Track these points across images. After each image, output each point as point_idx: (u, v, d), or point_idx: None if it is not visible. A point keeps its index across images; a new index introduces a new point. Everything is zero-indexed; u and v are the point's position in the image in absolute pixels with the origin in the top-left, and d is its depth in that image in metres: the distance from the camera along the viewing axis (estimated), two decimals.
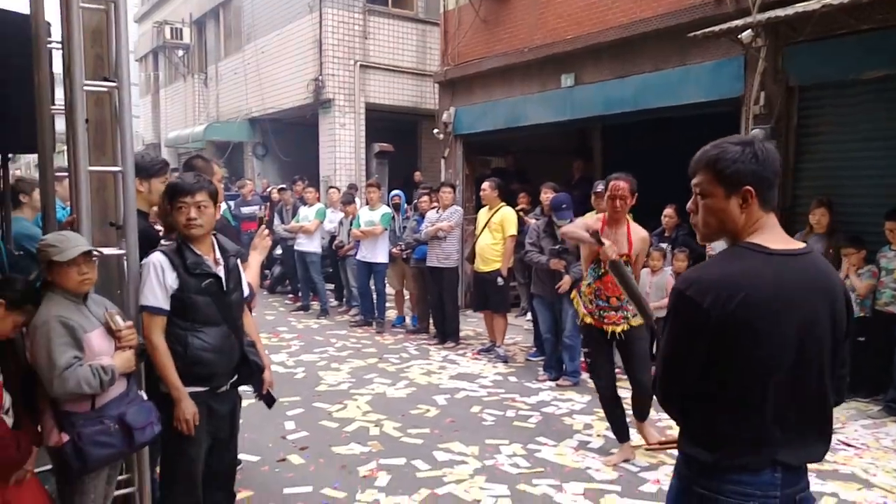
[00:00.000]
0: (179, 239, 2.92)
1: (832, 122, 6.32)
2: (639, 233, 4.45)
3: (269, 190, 12.73)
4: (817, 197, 6.05)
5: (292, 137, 16.16)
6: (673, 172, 9.61)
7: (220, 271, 2.97)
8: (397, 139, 14.22)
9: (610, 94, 7.99)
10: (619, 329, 4.39)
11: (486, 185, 7.54)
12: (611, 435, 4.94)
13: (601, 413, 5.50)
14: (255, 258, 3.52)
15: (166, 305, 2.82)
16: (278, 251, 10.69)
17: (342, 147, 13.71)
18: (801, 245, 1.84)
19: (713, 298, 1.71)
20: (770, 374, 1.74)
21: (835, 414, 5.52)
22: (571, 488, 4.12)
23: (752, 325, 1.71)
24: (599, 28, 7.98)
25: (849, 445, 4.86)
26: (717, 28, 5.97)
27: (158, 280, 2.80)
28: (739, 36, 5.90)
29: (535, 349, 7.48)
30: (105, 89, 3.02)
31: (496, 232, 7.29)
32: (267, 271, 12.14)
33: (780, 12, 5.57)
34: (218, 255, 3.01)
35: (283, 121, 16.01)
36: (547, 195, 7.30)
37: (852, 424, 5.31)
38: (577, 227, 4.54)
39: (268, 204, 11.70)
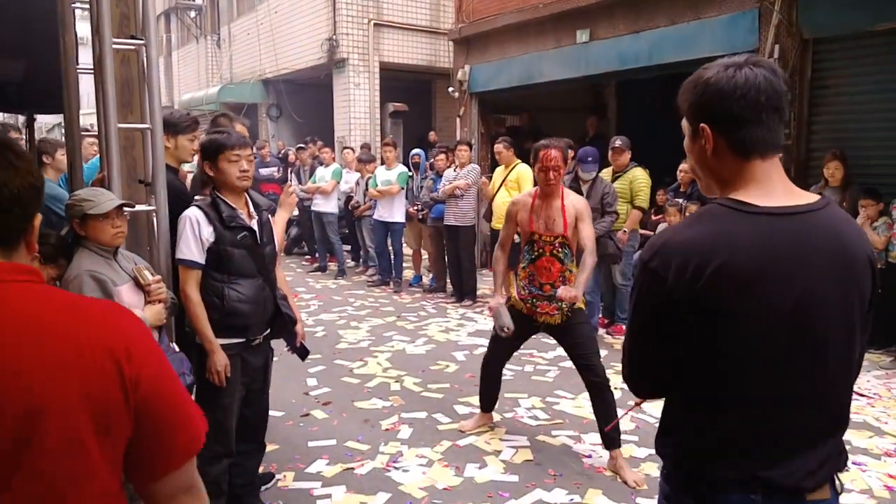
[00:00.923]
0: (214, 193, 3.01)
1: (846, 74, 6.30)
2: (575, 204, 3.82)
3: (283, 151, 12.75)
4: (831, 150, 6.04)
5: (306, 98, 16.13)
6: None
7: (254, 225, 3.07)
8: (412, 99, 14.17)
9: (625, 50, 7.93)
10: (552, 321, 3.87)
11: (498, 146, 7.55)
12: (627, 388, 5.06)
13: (616, 367, 5.62)
14: (282, 216, 3.56)
15: (201, 259, 2.93)
16: (294, 212, 10.77)
17: (356, 107, 13.69)
18: (810, 199, 1.40)
19: (678, 270, 1.34)
20: (751, 365, 1.36)
21: None
22: (590, 439, 4.24)
23: (726, 304, 1.33)
24: None
25: (861, 395, 4.95)
26: None
27: (194, 234, 2.90)
28: None
29: None
30: (133, 47, 3.08)
31: (512, 189, 7.32)
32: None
33: None
34: (252, 209, 3.11)
35: (296, 81, 15.96)
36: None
37: (864, 375, 5.39)
38: (517, 204, 4.01)
39: (283, 166, 11.76)
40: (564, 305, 3.79)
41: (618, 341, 6.41)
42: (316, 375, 5.47)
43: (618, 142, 6.72)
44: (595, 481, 3.69)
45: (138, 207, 2.94)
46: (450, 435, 4.29)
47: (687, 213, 6.56)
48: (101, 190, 2.72)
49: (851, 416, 4.50)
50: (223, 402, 3.03)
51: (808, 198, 1.41)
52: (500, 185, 7.42)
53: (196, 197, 3.15)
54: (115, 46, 2.91)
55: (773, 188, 1.39)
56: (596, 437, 4.23)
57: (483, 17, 10.10)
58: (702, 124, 1.41)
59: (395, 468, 3.84)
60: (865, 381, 5.25)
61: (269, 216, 3.28)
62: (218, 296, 2.96)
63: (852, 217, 5.80)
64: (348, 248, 10.66)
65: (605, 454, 4.00)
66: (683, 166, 7.12)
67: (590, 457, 4.00)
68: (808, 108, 6.43)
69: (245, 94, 16.90)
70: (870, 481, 3.68)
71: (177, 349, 2.96)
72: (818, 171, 6.19)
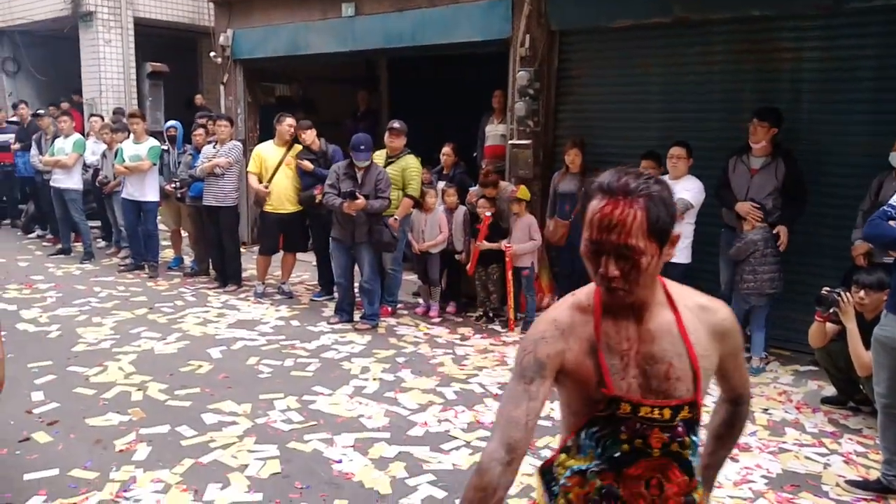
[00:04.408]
0: None
1: (588, 66, 6.72)
2: (706, 319, 1.60)
3: (19, 112, 10.99)
4: (571, 138, 6.44)
5: (50, 53, 14.20)
6: (452, 110, 9.81)
7: None
8: (175, 58, 13.01)
9: (390, 27, 7.82)
10: None
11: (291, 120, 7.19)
12: (386, 378, 5.12)
13: (379, 354, 5.67)
14: None
15: None
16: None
17: (108, 67, 12.30)
18: None
19: None
20: None
21: None
22: (342, 440, 4.16)
23: None
24: None
25: None
26: None
27: None
28: None
29: (320, 289, 7.43)
30: None
31: (293, 168, 7.07)
32: (22, 206, 10.85)
33: None
34: None
35: (36, 33, 13.98)
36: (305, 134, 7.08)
37: None
38: None
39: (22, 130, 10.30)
40: None
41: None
42: (44, 388, 4.83)
43: (396, 124, 6.65)
44: (342, 490, 3.62)
45: None
46: (193, 451, 3.99)
47: (444, 197, 6.69)
48: None
49: None
50: None
51: None
52: (280, 165, 7.07)
53: None
54: None
55: None
56: (349, 439, 4.18)
57: None
58: None
59: (126, 498, 3.49)
60: None
61: None
62: None
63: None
64: (97, 224, 9.63)
65: (356, 456, 3.97)
66: (446, 150, 7.25)
67: (340, 461, 3.92)
68: (554, 97, 6.80)
69: None
70: None
71: None
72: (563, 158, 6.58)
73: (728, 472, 3.83)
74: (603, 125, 6.65)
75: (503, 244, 6.19)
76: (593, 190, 1.46)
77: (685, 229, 5.57)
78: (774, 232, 5.22)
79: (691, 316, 1.57)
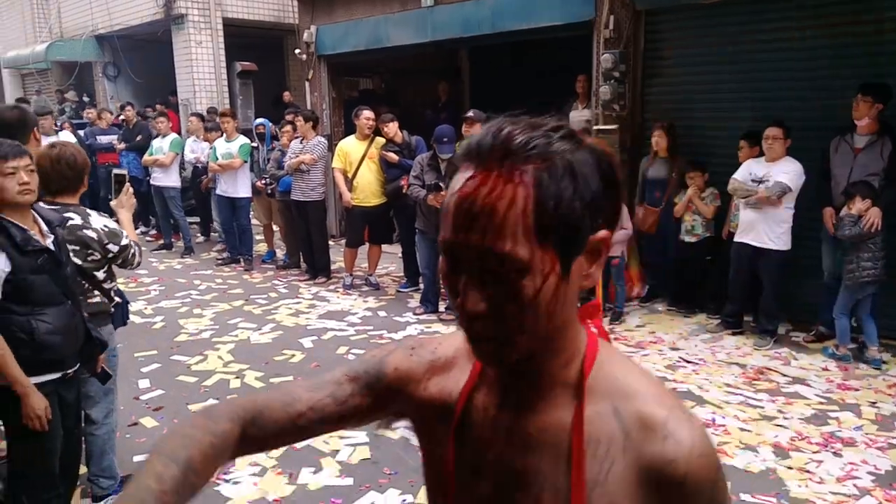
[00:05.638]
0: None
1: (677, 46, 6.47)
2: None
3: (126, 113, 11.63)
4: (657, 121, 6.23)
5: (146, 56, 14.96)
6: (535, 98, 9.68)
7: (50, 244, 2.73)
8: (263, 57, 13.46)
9: (469, 15, 7.80)
10: None
11: (369, 113, 7.25)
12: None
13: None
14: (125, 216, 3.41)
15: None
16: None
17: (200, 67, 12.84)
18: None
19: None
20: None
21: (678, 329, 5.67)
22: None
23: None
24: None
25: (688, 362, 5.21)
26: None
27: None
28: None
29: (406, 280, 7.52)
30: None
31: (376, 162, 7.17)
32: None
33: None
34: (44, 227, 2.76)
35: (134, 38, 14.74)
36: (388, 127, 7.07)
37: (693, 339, 5.69)
38: None
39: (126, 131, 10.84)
40: None
41: None
42: (149, 375, 5.12)
43: (471, 113, 6.58)
44: None
45: None
46: None
47: None
48: None
49: (678, 385, 4.68)
50: (48, 446, 2.75)
51: None
52: (362, 160, 7.17)
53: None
54: None
55: None
56: None
57: None
58: None
59: (225, 481, 3.66)
60: (693, 346, 5.54)
61: (62, 231, 2.93)
62: (26, 331, 2.60)
63: (679, 188, 6.04)
64: (196, 220, 10.09)
65: None
66: None
67: None
68: (641, 80, 6.60)
69: (77, 51, 15.42)
70: None
71: None
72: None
73: (830, 467, 3.66)
74: (694, 107, 6.41)
75: None
76: (458, 156, 0.83)
77: (784, 214, 5.29)
78: (862, 213, 4.85)
79: (612, 428, 0.83)
